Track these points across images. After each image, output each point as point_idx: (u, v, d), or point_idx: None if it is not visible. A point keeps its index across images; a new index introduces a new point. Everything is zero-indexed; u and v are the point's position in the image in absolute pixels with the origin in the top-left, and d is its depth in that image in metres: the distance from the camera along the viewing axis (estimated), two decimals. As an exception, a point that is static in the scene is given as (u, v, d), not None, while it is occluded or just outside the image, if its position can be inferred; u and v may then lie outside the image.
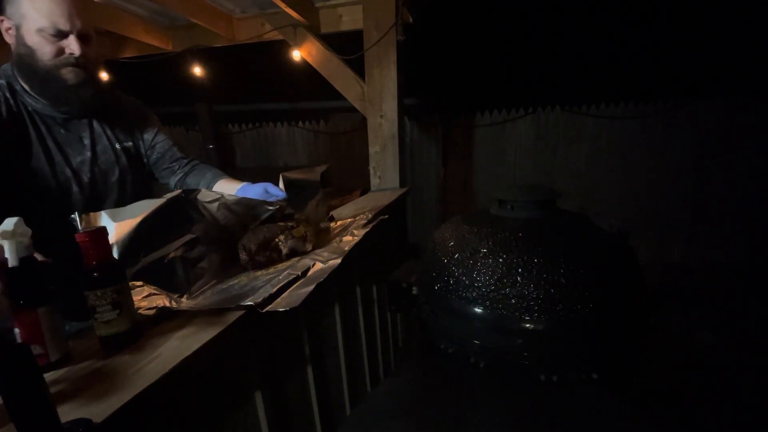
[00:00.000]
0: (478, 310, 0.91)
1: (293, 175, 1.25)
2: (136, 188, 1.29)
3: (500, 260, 0.91)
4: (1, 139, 1.02)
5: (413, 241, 3.53)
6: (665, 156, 3.99)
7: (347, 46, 2.66)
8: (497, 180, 4.41)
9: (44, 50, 1.00)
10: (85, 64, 1.07)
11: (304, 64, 2.91)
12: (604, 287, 0.88)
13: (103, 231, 0.71)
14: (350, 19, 2.76)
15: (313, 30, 2.78)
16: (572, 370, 0.86)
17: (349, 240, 1.23)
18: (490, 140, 4.38)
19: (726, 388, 2.09)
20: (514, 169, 4.39)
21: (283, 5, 2.35)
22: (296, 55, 2.91)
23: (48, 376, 0.62)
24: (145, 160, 1.35)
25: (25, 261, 0.63)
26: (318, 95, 4.71)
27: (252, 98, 5.57)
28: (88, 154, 1.18)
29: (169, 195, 0.92)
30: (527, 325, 0.85)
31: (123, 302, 0.70)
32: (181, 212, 0.95)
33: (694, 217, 4.03)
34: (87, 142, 1.19)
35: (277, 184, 1.23)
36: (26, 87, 1.07)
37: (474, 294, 0.92)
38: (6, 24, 1.01)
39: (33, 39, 1.00)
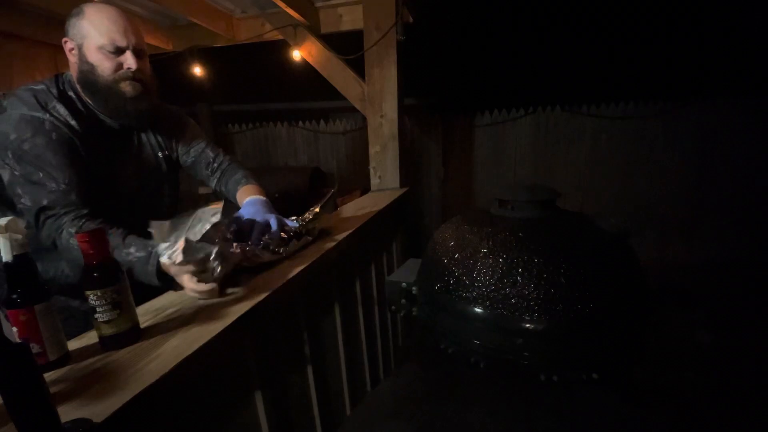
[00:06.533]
0: (478, 310, 0.91)
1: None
2: (171, 195, 1.37)
3: (500, 260, 0.91)
4: (74, 150, 1.08)
5: (413, 241, 3.53)
6: (665, 156, 3.99)
7: (347, 46, 2.66)
8: (497, 180, 4.40)
9: (104, 66, 1.09)
10: (141, 78, 1.14)
11: (304, 64, 2.91)
12: (604, 287, 0.88)
13: (103, 231, 0.71)
14: (350, 19, 2.76)
15: (313, 30, 2.78)
16: (572, 370, 0.86)
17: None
18: (490, 140, 4.38)
19: (726, 387, 2.08)
20: (514, 169, 4.38)
21: (283, 5, 2.35)
22: (296, 55, 2.90)
23: (48, 376, 0.62)
24: (182, 165, 1.41)
25: (20, 258, 0.63)
26: (318, 95, 4.71)
27: (252, 98, 5.56)
28: (134, 162, 1.24)
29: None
30: (527, 325, 0.85)
31: (123, 302, 0.70)
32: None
33: (694, 216, 4.02)
34: (134, 151, 1.25)
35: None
36: (89, 101, 1.14)
37: (474, 294, 0.92)
38: (69, 45, 1.10)
39: (94, 56, 1.08)
